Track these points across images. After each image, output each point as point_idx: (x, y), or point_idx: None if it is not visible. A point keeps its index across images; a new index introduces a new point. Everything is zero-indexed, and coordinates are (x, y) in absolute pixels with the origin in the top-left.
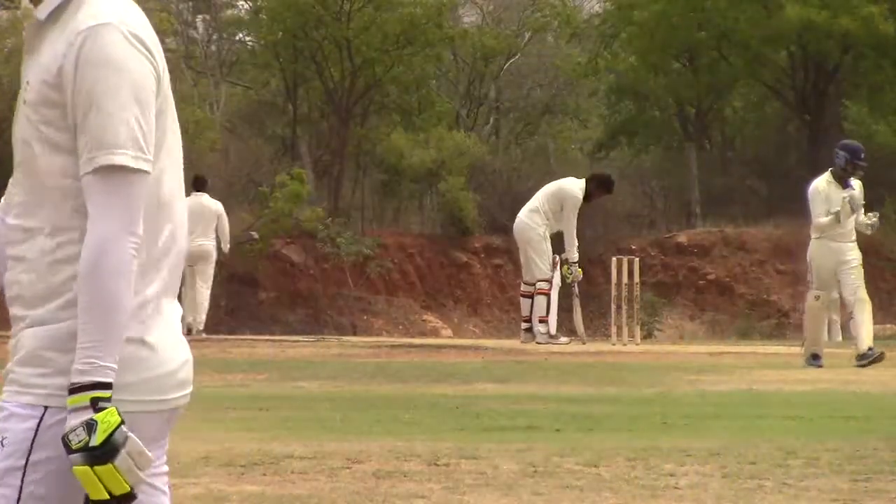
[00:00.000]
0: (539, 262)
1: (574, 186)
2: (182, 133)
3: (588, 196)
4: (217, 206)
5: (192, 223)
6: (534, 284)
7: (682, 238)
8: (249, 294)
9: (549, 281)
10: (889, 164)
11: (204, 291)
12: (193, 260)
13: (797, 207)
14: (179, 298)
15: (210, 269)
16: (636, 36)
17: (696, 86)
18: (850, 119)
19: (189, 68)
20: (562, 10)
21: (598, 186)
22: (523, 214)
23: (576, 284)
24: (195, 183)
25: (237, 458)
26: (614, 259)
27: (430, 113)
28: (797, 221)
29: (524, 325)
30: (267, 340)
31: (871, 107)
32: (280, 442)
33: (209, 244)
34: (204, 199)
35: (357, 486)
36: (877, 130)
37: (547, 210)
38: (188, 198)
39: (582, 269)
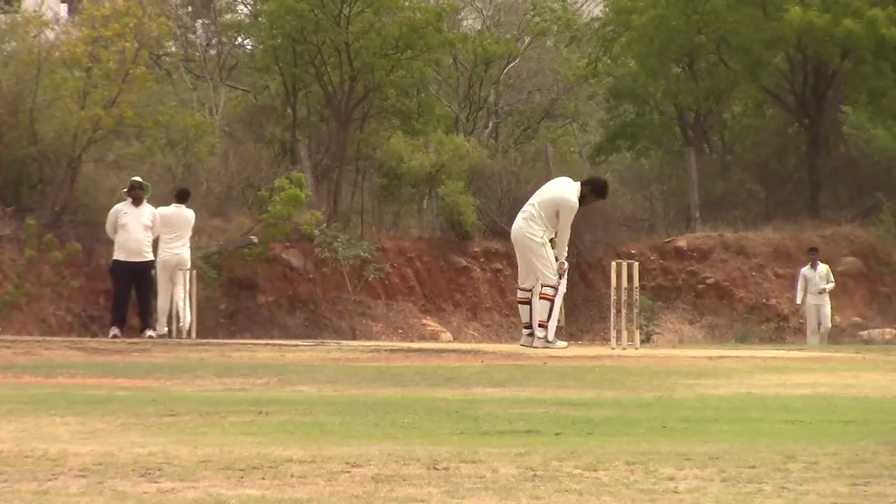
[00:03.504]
0: (543, 269)
1: (570, 194)
2: (181, 137)
3: (582, 199)
4: (193, 215)
5: (174, 233)
6: (530, 290)
7: (682, 242)
8: (248, 298)
9: (555, 287)
10: (887, 168)
11: (185, 295)
12: (174, 268)
13: (796, 212)
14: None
15: (188, 275)
16: (635, 40)
17: (695, 90)
18: (850, 124)
19: (188, 72)
20: (561, 15)
21: (592, 191)
22: (521, 222)
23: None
24: (180, 195)
25: (236, 462)
26: (614, 263)
27: (430, 117)
28: (796, 226)
29: (526, 331)
30: (266, 344)
31: (871, 111)
32: (279, 446)
33: (186, 252)
34: (184, 210)
35: (356, 490)
36: (875, 135)
37: (544, 217)
38: (168, 208)
39: (581, 273)
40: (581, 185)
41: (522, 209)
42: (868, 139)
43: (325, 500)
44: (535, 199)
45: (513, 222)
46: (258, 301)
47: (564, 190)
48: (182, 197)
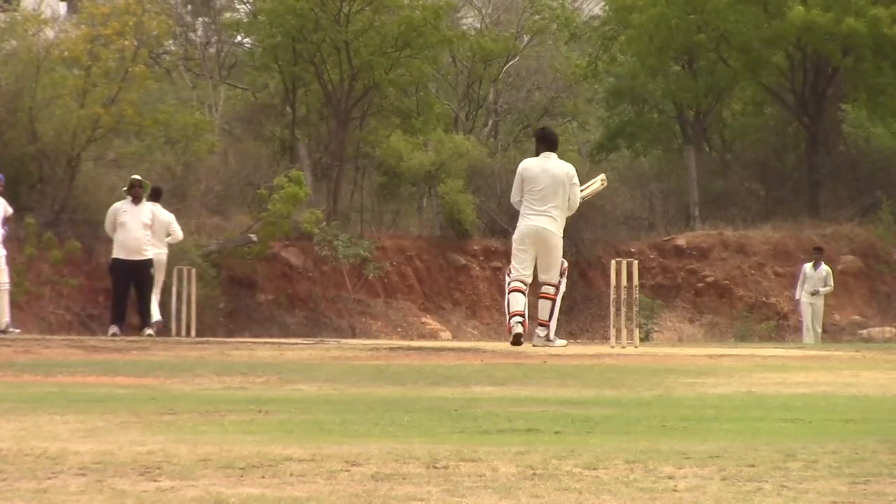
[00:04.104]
0: (556, 270)
1: (569, 168)
2: (181, 136)
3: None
4: (168, 216)
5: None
6: (527, 284)
7: (681, 241)
8: (248, 296)
9: (557, 287)
10: (887, 166)
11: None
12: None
13: (796, 210)
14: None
15: (161, 276)
16: (635, 38)
17: (695, 88)
18: (849, 122)
19: (188, 71)
20: (561, 13)
21: (553, 145)
22: (549, 225)
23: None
24: (152, 194)
25: (236, 461)
26: (613, 261)
27: (429, 115)
28: (796, 224)
29: (517, 319)
30: (265, 343)
31: (870, 110)
32: (279, 444)
33: (162, 253)
34: (157, 209)
35: (356, 489)
36: (875, 133)
37: (563, 215)
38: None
39: (581, 272)
40: (547, 150)
41: (541, 210)
42: (867, 137)
43: (325, 499)
44: (552, 198)
45: (512, 221)
46: (257, 299)
47: (561, 170)
48: (155, 196)
